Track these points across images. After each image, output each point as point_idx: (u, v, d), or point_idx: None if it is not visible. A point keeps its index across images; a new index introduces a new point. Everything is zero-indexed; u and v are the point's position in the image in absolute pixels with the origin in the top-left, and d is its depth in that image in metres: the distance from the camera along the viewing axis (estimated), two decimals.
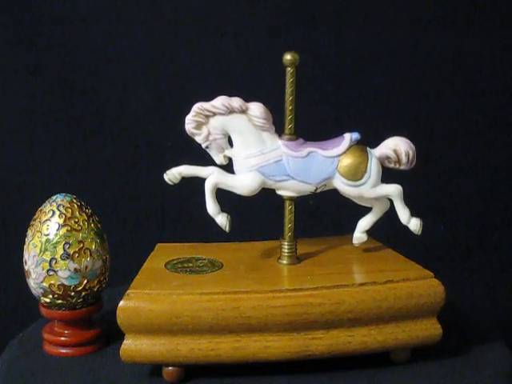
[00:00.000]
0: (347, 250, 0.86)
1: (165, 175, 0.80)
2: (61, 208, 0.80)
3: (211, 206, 0.80)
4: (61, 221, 0.80)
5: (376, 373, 0.78)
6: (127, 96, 1.27)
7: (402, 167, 0.81)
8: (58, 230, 0.79)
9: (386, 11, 1.25)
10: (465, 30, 1.27)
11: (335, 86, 1.27)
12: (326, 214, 1.27)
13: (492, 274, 1.35)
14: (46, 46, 1.25)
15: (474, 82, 1.28)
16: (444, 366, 0.79)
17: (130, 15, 1.25)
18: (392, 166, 0.81)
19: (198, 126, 0.79)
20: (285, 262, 0.82)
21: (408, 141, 0.81)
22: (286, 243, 0.82)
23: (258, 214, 1.25)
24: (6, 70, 1.25)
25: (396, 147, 0.80)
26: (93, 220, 0.82)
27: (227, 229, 0.80)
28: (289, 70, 0.79)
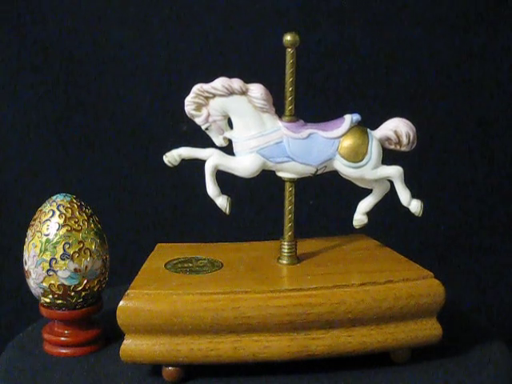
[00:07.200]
0: (347, 250, 0.86)
1: (164, 157, 0.79)
2: (61, 208, 0.80)
3: (211, 188, 0.79)
4: (61, 221, 0.80)
5: (376, 373, 0.78)
6: (127, 95, 1.27)
7: (403, 149, 0.80)
8: (58, 230, 0.79)
9: None
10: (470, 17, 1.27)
11: (335, 67, 1.27)
12: (326, 213, 1.27)
13: (492, 273, 1.35)
14: (47, 46, 1.25)
15: (478, 69, 1.29)
16: (444, 366, 0.79)
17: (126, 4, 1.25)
18: (393, 147, 0.81)
19: (198, 107, 0.79)
20: (285, 262, 0.82)
21: (408, 122, 0.80)
22: (285, 243, 0.82)
23: (257, 213, 1.26)
24: (6, 70, 1.25)
25: (396, 128, 0.80)
26: (93, 220, 0.82)
27: (227, 211, 0.80)
28: (289, 50, 0.78)
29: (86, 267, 0.80)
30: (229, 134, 0.80)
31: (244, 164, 0.79)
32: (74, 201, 0.82)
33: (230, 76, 0.78)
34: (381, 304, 0.76)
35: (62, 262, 0.79)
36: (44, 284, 0.80)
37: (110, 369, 0.79)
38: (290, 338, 0.76)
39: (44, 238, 0.79)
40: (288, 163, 0.79)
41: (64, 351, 0.82)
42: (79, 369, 0.79)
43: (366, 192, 0.83)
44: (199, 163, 0.80)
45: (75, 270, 0.79)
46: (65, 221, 0.80)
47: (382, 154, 0.80)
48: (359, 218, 0.83)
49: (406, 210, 0.81)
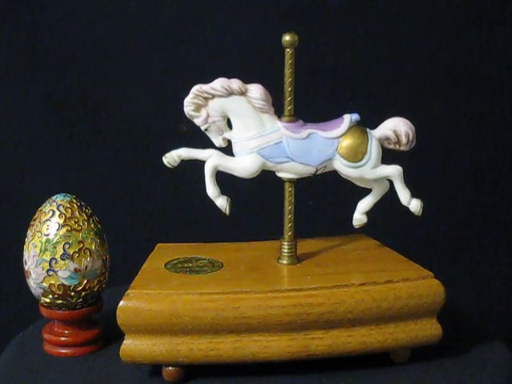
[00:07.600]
0: (347, 250, 0.86)
1: (164, 158, 0.79)
2: (61, 208, 0.80)
3: (211, 189, 0.79)
4: (61, 221, 0.80)
5: (376, 373, 0.78)
6: (127, 95, 1.27)
7: (402, 148, 0.81)
8: (58, 230, 0.79)
9: None
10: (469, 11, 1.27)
11: (335, 68, 1.27)
12: (326, 213, 1.27)
13: (492, 273, 1.35)
14: (46, 46, 1.25)
15: (478, 69, 1.29)
16: (444, 366, 0.79)
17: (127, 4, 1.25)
18: (392, 146, 0.81)
19: (197, 108, 0.78)
20: (285, 262, 0.82)
21: (408, 121, 0.80)
22: (285, 243, 0.82)
23: (257, 213, 1.26)
24: (5, 71, 1.25)
25: (396, 128, 0.80)
26: (93, 220, 0.82)
27: (227, 211, 0.80)
28: (288, 51, 0.78)
29: (86, 267, 0.80)
30: (228, 135, 0.80)
31: (244, 164, 0.79)
32: (74, 201, 0.82)
33: (229, 76, 0.78)
34: (381, 304, 0.76)
35: (62, 262, 0.79)
36: (44, 284, 0.80)
37: (110, 369, 0.79)
38: (290, 338, 0.76)
39: (44, 238, 0.79)
40: (288, 163, 0.79)
41: (64, 351, 0.82)
42: (79, 369, 0.79)
43: (366, 192, 0.83)
44: (199, 163, 0.80)
45: (75, 270, 0.79)
46: (65, 221, 0.80)
47: (382, 153, 0.80)
48: (359, 217, 0.83)
49: (406, 209, 0.81)
